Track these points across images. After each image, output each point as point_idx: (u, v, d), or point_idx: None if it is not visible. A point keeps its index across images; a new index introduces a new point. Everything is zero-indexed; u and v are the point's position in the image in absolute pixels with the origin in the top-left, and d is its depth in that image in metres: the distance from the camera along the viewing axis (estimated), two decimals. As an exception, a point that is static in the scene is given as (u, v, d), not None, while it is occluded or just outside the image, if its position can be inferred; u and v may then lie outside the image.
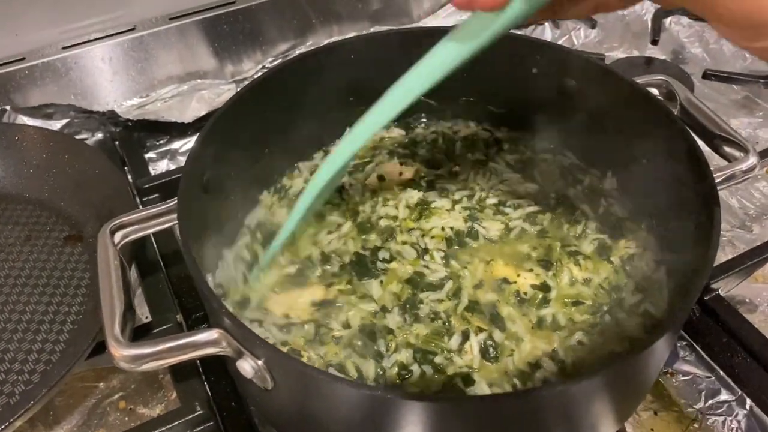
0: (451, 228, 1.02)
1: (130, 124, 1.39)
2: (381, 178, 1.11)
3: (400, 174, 1.11)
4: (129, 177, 1.32)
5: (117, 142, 1.39)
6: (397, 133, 1.21)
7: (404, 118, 1.21)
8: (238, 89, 1.00)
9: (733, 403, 0.98)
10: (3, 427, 0.84)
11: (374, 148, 1.17)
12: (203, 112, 1.38)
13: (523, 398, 0.66)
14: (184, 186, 0.83)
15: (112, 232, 0.85)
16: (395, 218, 1.04)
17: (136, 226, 0.88)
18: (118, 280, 0.79)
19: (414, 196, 1.07)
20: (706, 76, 1.47)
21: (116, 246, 0.85)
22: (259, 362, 0.70)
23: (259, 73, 1.48)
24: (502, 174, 1.13)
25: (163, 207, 0.88)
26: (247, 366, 0.71)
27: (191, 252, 0.75)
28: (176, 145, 1.42)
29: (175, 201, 0.83)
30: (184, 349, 0.72)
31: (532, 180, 1.11)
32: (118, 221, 0.86)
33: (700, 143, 0.91)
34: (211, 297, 0.71)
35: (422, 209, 1.05)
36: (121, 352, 0.71)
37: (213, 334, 0.72)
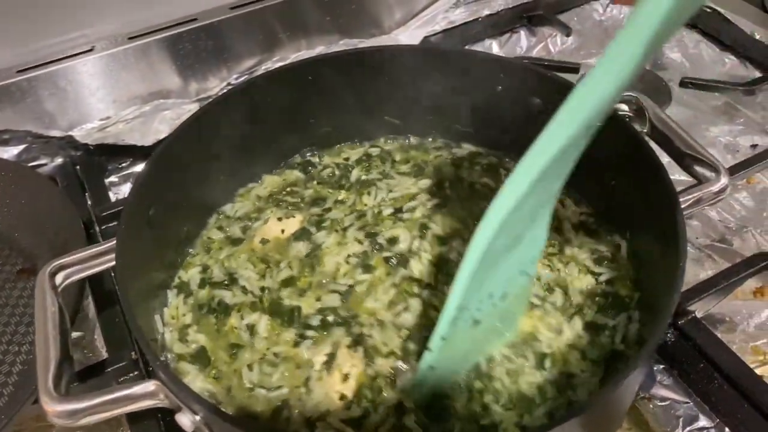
0: (353, 254, 0.99)
1: (91, 148, 1.35)
2: (264, 241, 1.04)
3: (283, 231, 1.05)
4: (89, 202, 1.27)
5: (77, 167, 1.34)
6: (274, 181, 1.15)
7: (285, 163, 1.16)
8: (181, 121, 0.96)
9: (712, 430, 0.95)
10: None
11: (258, 208, 1.10)
12: (165, 134, 1.33)
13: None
14: (124, 225, 0.79)
15: (53, 274, 0.82)
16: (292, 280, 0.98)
17: (79, 266, 0.85)
18: (55, 328, 0.75)
19: (301, 249, 1.01)
20: (684, 84, 1.43)
21: (57, 288, 0.81)
22: (197, 417, 0.66)
23: (224, 90, 1.44)
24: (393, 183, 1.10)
25: (105, 246, 0.84)
26: (185, 420, 0.67)
27: (128, 299, 0.71)
28: (138, 167, 1.38)
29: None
30: (121, 402, 0.69)
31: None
32: (58, 262, 0.83)
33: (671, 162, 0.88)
34: (144, 349, 0.67)
35: (313, 258, 1.00)
36: (53, 407, 0.68)
37: (149, 386, 0.68)
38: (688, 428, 0.96)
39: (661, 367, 1.02)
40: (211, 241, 1.05)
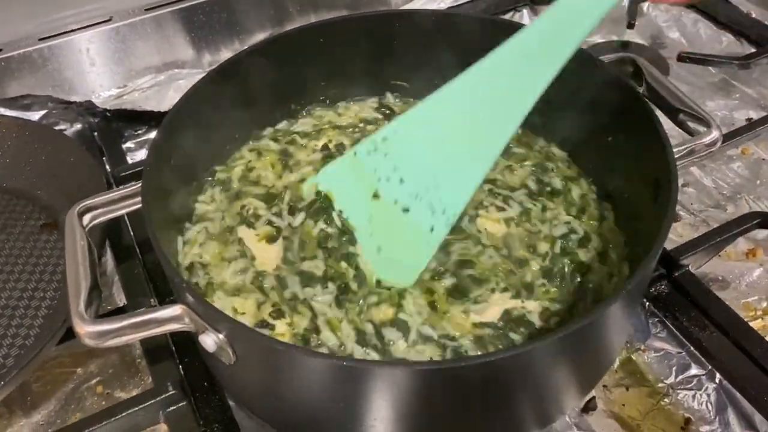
0: None
1: (108, 114, 1.40)
2: None
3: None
4: (107, 166, 1.32)
5: (95, 133, 1.39)
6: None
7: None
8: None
9: (703, 378, 0.99)
10: (-25, 409, 0.85)
11: None
12: (180, 102, 1.38)
13: (481, 363, 0.66)
14: (150, 161, 0.84)
15: (80, 214, 0.86)
16: None
17: (104, 209, 0.89)
18: (85, 260, 0.79)
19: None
20: (681, 58, 1.48)
21: (84, 228, 0.85)
22: (221, 336, 0.70)
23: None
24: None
25: (131, 188, 0.88)
26: (209, 340, 0.71)
27: (152, 224, 0.76)
28: (155, 134, 1.42)
29: (142, 182, 0.84)
30: (148, 324, 0.73)
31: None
32: (86, 203, 0.87)
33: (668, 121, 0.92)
34: (171, 272, 0.72)
35: None
36: (85, 328, 0.72)
37: (176, 309, 0.73)
38: (680, 376, 1.00)
39: (656, 320, 1.06)
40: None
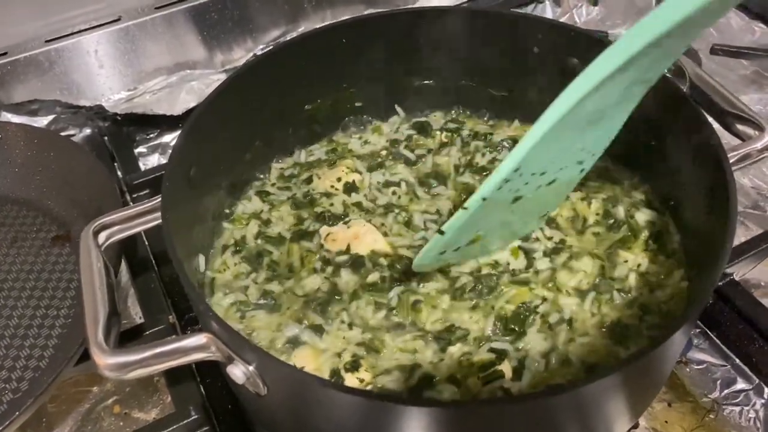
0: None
1: (119, 118, 1.35)
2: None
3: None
4: (119, 173, 1.28)
5: (106, 138, 1.35)
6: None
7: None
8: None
9: (751, 392, 0.95)
10: (-10, 437, 0.82)
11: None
12: (193, 104, 1.33)
13: (536, 401, 0.62)
14: (168, 182, 0.79)
15: (96, 233, 0.82)
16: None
17: (120, 226, 0.85)
18: (102, 284, 0.75)
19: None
20: (714, 51, 1.42)
21: (100, 247, 0.81)
22: (250, 368, 0.66)
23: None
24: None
25: (148, 205, 0.84)
26: (237, 372, 0.67)
27: (176, 253, 0.71)
28: (167, 138, 1.38)
29: (160, 198, 0.79)
30: (172, 355, 0.69)
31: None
32: (102, 221, 0.82)
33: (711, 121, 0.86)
34: (197, 300, 0.67)
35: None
36: (105, 360, 0.68)
37: (201, 338, 0.68)
38: (726, 391, 0.96)
39: (697, 331, 1.02)
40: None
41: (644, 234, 0.93)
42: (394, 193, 1.04)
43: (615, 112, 0.77)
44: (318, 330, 0.85)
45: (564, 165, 0.83)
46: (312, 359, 0.82)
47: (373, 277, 0.90)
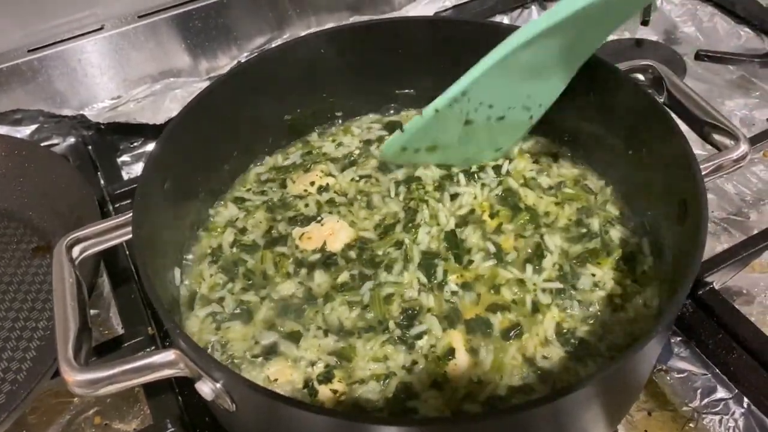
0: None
1: (102, 127, 1.35)
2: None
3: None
4: (102, 182, 1.27)
5: (90, 147, 1.34)
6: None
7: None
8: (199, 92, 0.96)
9: (730, 402, 0.94)
10: (-34, 451, 0.81)
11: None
12: (175, 113, 1.32)
13: (509, 417, 0.62)
14: (140, 197, 0.79)
15: (69, 247, 0.81)
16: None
17: (96, 239, 0.84)
18: (74, 299, 0.75)
19: None
20: (699, 56, 1.41)
21: (74, 261, 0.81)
22: (218, 385, 0.66)
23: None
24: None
25: (123, 218, 0.84)
26: (206, 389, 0.67)
27: (147, 269, 0.71)
28: (151, 147, 1.36)
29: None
30: (141, 371, 0.69)
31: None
32: (75, 235, 0.82)
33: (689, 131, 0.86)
34: (165, 317, 0.67)
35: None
36: (73, 377, 0.68)
37: (170, 355, 0.68)
38: (706, 399, 0.95)
39: (678, 339, 1.01)
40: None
41: (617, 253, 0.94)
42: (359, 180, 1.07)
43: (554, 73, 0.94)
44: (294, 337, 0.86)
45: (512, 105, 0.98)
46: (286, 371, 0.82)
47: (344, 277, 0.92)
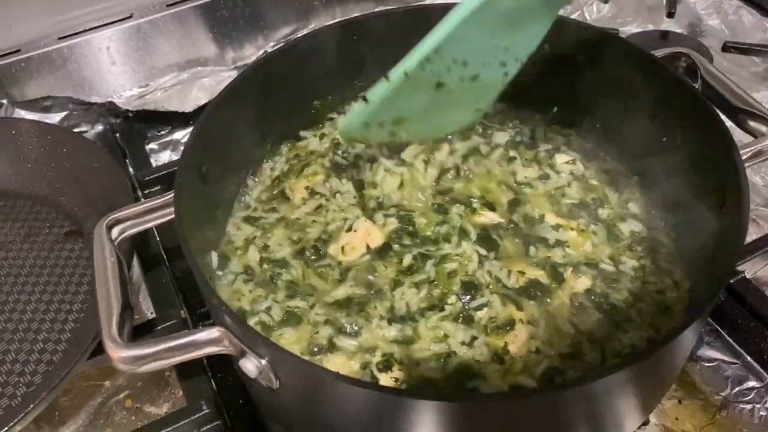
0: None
1: (130, 115, 1.36)
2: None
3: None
4: (130, 169, 1.28)
5: (117, 134, 1.35)
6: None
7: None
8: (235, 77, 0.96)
9: (762, 390, 0.94)
10: (4, 430, 0.82)
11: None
12: (204, 101, 1.34)
13: (543, 397, 0.62)
14: (181, 178, 0.79)
15: (109, 228, 0.82)
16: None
17: (133, 221, 0.85)
18: (115, 278, 0.76)
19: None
20: (726, 48, 1.41)
21: (114, 242, 0.82)
22: (263, 361, 0.66)
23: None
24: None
25: (161, 200, 0.84)
26: (250, 365, 0.67)
27: (189, 247, 0.71)
28: (178, 135, 1.38)
29: (173, 193, 0.80)
30: (185, 348, 0.69)
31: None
32: (115, 216, 0.83)
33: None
34: (210, 294, 0.67)
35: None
36: (119, 353, 0.68)
37: (214, 332, 0.68)
38: (737, 388, 0.95)
39: (708, 328, 1.01)
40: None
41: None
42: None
43: (535, 18, 0.85)
44: (354, 332, 0.83)
45: (487, 61, 0.88)
46: (344, 363, 0.81)
47: (407, 260, 0.90)
